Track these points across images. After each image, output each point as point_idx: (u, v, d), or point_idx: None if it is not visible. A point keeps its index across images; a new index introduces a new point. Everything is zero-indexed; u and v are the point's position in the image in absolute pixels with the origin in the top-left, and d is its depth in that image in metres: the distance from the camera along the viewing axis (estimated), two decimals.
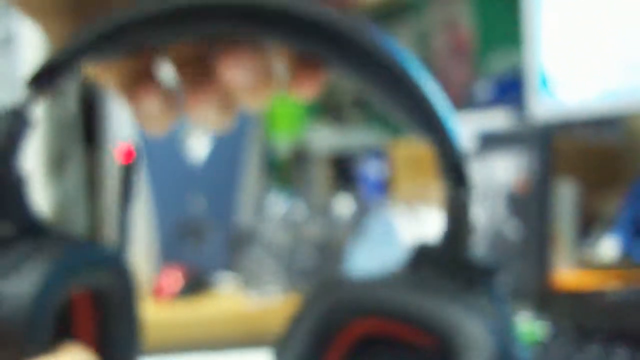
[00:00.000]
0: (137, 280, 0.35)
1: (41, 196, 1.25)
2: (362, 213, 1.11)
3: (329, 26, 0.32)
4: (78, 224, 1.58)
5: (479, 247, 0.92)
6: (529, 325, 0.74)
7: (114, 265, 0.34)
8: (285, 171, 1.81)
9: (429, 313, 0.32)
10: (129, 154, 0.38)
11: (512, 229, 0.88)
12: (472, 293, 0.33)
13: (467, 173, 0.33)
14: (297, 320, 0.34)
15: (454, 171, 0.33)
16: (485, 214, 0.92)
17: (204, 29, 0.33)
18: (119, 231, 0.37)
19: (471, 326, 0.31)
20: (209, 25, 0.32)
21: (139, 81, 0.35)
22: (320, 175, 1.57)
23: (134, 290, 0.35)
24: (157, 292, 1.02)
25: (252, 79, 0.33)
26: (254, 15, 0.32)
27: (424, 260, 0.34)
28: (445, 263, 0.34)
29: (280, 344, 0.34)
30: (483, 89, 1.26)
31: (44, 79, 0.33)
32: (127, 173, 0.38)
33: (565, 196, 0.90)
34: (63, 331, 0.33)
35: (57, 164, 1.36)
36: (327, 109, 1.94)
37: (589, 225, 1.03)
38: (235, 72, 0.33)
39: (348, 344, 0.35)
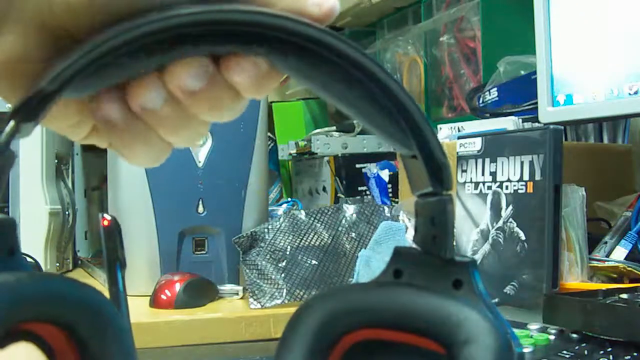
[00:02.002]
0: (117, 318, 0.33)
1: (41, 198, 1.24)
2: (369, 218, 1.10)
3: (307, 38, 0.32)
4: (77, 226, 1.57)
5: (486, 251, 0.91)
6: (536, 331, 0.73)
7: (83, 300, 0.33)
8: (290, 176, 1.81)
9: (420, 317, 0.33)
10: (109, 220, 0.38)
11: (520, 233, 0.87)
12: (460, 290, 0.33)
13: (449, 177, 0.33)
14: (289, 339, 0.34)
15: (436, 175, 0.33)
16: (494, 217, 0.91)
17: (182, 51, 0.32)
18: (111, 290, 0.36)
19: (468, 321, 0.31)
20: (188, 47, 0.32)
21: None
22: (326, 181, 1.56)
23: (110, 329, 0.33)
24: (160, 300, 1.01)
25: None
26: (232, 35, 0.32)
27: (408, 263, 0.35)
28: (429, 264, 0.34)
29: None
30: (492, 92, 1.25)
31: (29, 110, 0.32)
32: (109, 236, 0.38)
33: (574, 200, 0.89)
34: None
35: (56, 166, 1.35)
36: (334, 113, 1.94)
37: (597, 230, 1.02)
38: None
39: (342, 353, 0.35)
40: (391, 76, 0.33)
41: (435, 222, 0.34)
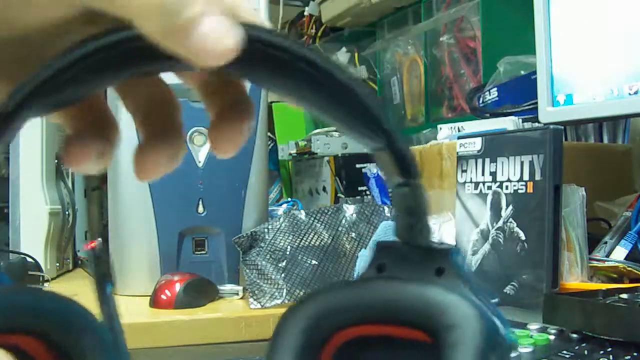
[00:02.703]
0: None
1: (41, 198, 1.24)
2: (369, 218, 1.10)
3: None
4: (77, 226, 1.57)
5: (486, 251, 0.91)
6: (536, 331, 0.73)
7: (60, 311, 0.33)
8: (290, 176, 1.81)
9: (404, 308, 0.33)
10: (95, 243, 0.39)
11: (520, 233, 0.87)
12: (442, 277, 0.34)
13: (414, 165, 0.34)
14: (278, 342, 0.34)
15: (402, 165, 0.34)
16: (494, 218, 0.91)
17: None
18: (102, 310, 0.36)
19: (451, 307, 0.32)
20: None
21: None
22: (326, 181, 1.56)
23: (89, 339, 0.33)
24: (159, 300, 1.01)
25: None
26: None
27: (390, 257, 0.35)
28: (410, 255, 0.35)
29: None
30: (492, 92, 1.25)
31: None
32: (97, 259, 0.38)
33: (574, 200, 0.89)
34: None
35: (56, 166, 1.35)
36: None
37: (597, 230, 1.02)
38: None
39: (333, 352, 0.35)
40: (350, 73, 0.33)
41: (410, 211, 0.34)
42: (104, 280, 0.36)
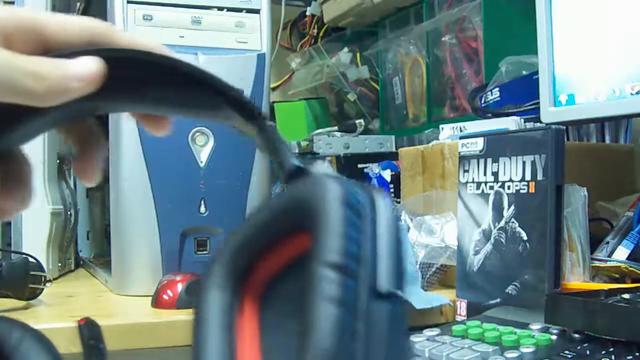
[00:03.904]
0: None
1: (43, 198, 1.24)
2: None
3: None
4: (79, 226, 1.57)
5: (489, 251, 0.91)
6: (538, 331, 0.73)
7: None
8: None
9: (285, 218, 0.36)
10: (84, 319, 0.41)
11: (522, 233, 0.87)
12: (306, 179, 0.36)
13: (248, 106, 0.39)
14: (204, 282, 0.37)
15: (246, 109, 0.39)
16: (496, 217, 0.91)
17: None
18: None
19: (315, 200, 0.33)
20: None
21: None
22: None
23: None
24: (161, 300, 1.01)
25: None
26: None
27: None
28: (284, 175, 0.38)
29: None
30: (494, 92, 1.25)
31: None
32: (89, 333, 0.39)
33: (576, 200, 0.89)
34: None
35: (58, 167, 1.35)
36: (336, 113, 1.94)
37: (599, 230, 1.02)
38: None
39: (259, 293, 0.37)
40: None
41: (268, 145, 0.39)
42: (95, 355, 0.38)
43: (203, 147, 1.14)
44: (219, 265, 0.37)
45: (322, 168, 0.36)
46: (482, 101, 1.28)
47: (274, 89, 1.94)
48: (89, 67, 0.36)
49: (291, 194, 0.35)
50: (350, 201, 0.32)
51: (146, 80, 0.39)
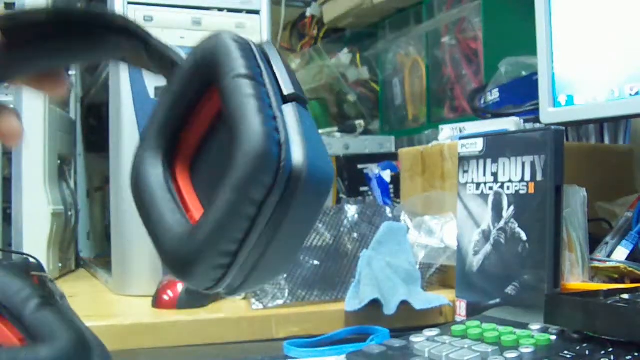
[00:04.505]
0: None
1: (43, 198, 1.24)
2: (371, 219, 1.10)
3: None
4: (80, 227, 1.57)
5: (488, 252, 0.91)
6: (538, 331, 0.73)
7: None
8: None
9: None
10: None
11: (521, 233, 0.87)
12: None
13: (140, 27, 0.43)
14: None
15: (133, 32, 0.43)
16: (495, 218, 0.91)
17: None
18: None
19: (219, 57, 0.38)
20: None
21: None
22: None
23: None
24: (162, 300, 1.02)
25: None
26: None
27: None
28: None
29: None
30: (494, 93, 1.25)
31: None
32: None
33: (575, 201, 0.89)
34: None
35: (58, 167, 1.35)
36: (335, 114, 1.94)
37: (599, 230, 1.02)
38: None
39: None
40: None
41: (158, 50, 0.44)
42: None
43: None
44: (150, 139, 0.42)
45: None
46: (482, 102, 1.28)
47: None
48: None
49: (187, 61, 0.41)
50: (236, 39, 0.38)
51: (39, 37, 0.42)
